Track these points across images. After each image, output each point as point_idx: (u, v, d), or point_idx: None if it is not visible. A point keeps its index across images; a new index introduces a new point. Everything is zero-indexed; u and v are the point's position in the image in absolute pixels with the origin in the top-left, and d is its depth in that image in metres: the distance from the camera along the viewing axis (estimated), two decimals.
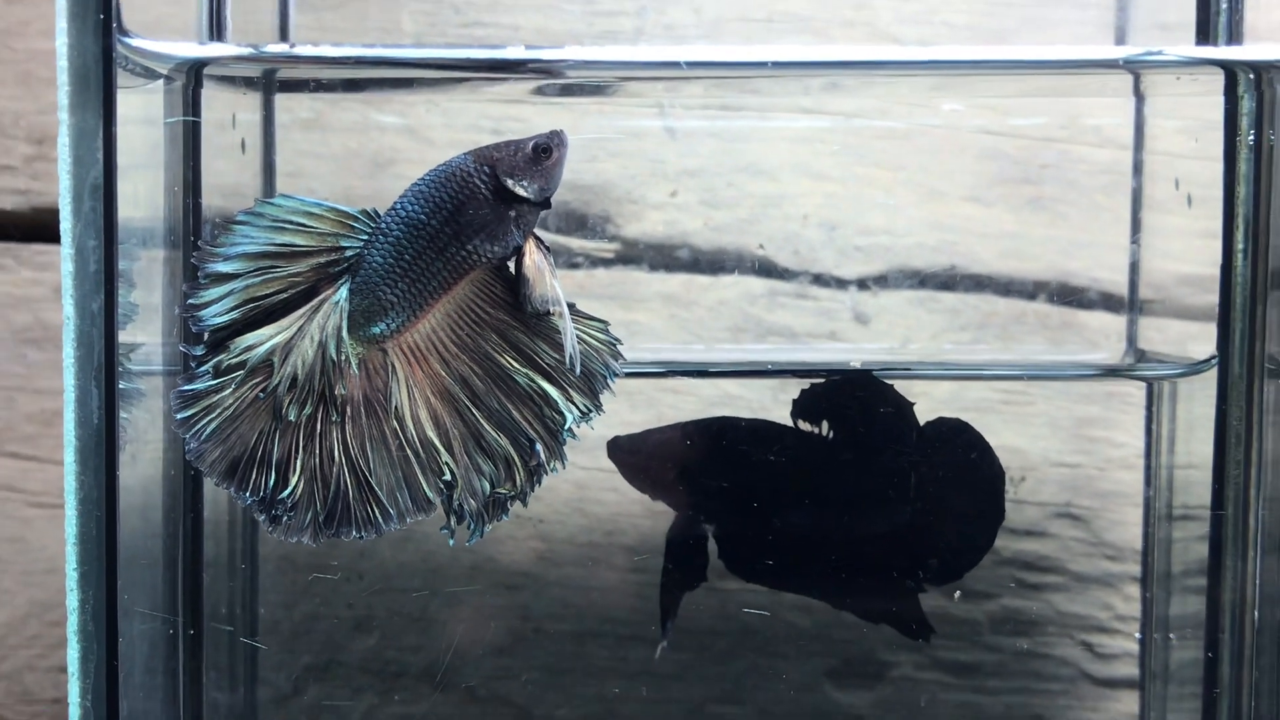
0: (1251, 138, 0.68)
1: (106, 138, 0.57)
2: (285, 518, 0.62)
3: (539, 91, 0.84)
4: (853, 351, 0.85)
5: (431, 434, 0.62)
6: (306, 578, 0.81)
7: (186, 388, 0.61)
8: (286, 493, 0.61)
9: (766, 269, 0.85)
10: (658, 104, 0.84)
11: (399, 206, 0.61)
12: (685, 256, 0.85)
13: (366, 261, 0.61)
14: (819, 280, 0.85)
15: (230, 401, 0.61)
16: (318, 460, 0.62)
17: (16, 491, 0.93)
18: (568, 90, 0.84)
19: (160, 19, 0.71)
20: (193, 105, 0.66)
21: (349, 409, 0.62)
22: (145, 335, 0.63)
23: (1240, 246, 0.70)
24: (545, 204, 0.63)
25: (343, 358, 0.61)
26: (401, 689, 0.82)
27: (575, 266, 0.86)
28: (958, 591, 0.83)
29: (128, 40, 0.58)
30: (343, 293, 0.61)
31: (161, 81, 0.65)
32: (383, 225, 0.61)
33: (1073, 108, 0.84)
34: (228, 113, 0.75)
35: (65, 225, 0.56)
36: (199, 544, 0.68)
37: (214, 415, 0.61)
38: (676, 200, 0.85)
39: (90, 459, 0.57)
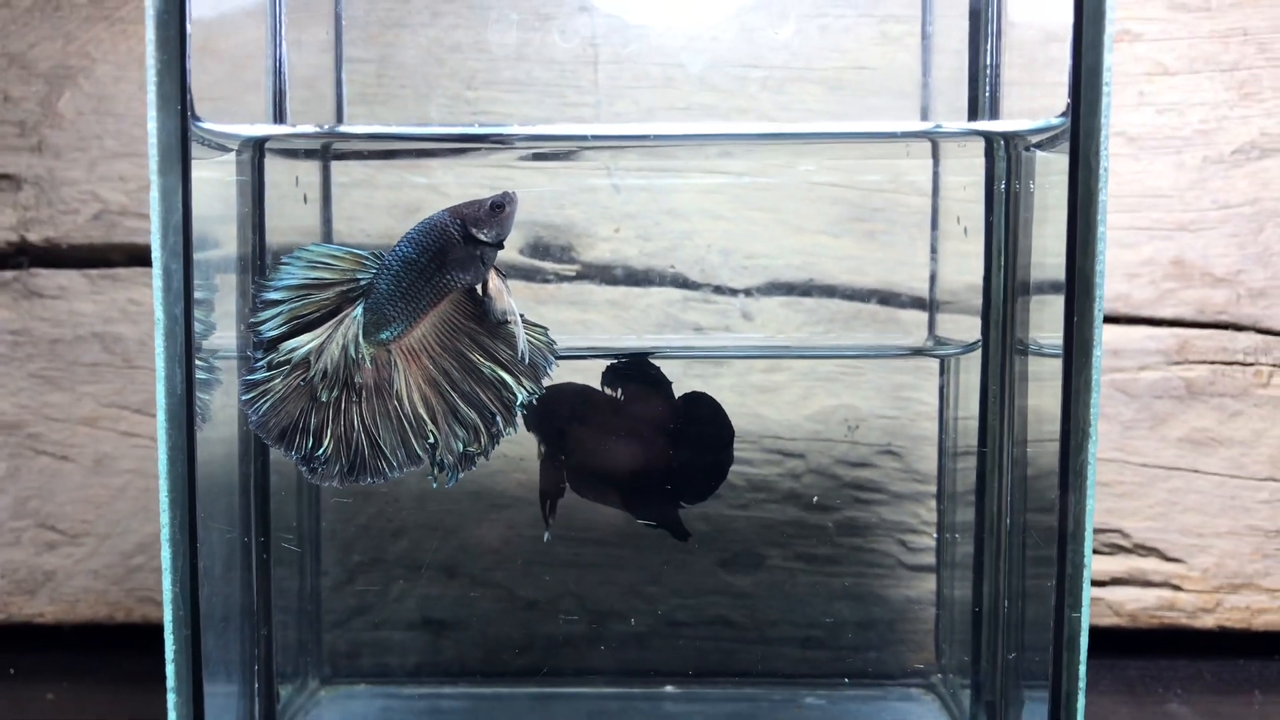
0: (1003, 186, 0.67)
1: (184, 193, 0.56)
2: (320, 469, 0.62)
3: (522, 159, 0.83)
4: (741, 339, 0.84)
5: (421, 410, 0.62)
6: (357, 498, 0.80)
7: (248, 378, 0.61)
8: (320, 451, 0.61)
9: (681, 282, 0.84)
10: (606, 167, 0.83)
11: (397, 249, 0.61)
12: (623, 274, 0.84)
13: (375, 288, 0.61)
14: (718, 290, 0.84)
15: (280, 388, 0.61)
16: (342, 429, 0.62)
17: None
18: (542, 157, 0.83)
19: (245, 106, 0.71)
20: (256, 171, 0.65)
21: (364, 392, 0.62)
22: (222, 330, 0.63)
23: (997, 263, 0.69)
24: (500, 244, 0.63)
25: (359, 356, 0.61)
26: (424, 578, 0.82)
27: (548, 281, 0.85)
28: (816, 497, 0.83)
29: (200, 124, 0.57)
30: (359, 310, 0.61)
31: (234, 154, 0.64)
32: (385, 262, 0.61)
33: (896, 168, 0.83)
34: (292, 175, 0.74)
35: (155, 254, 0.55)
36: (266, 476, 0.67)
37: (268, 398, 0.61)
38: (619, 235, 0.84)
39: (176, 418, 0.56)
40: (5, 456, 0.93)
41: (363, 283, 0.61)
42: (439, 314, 0.62)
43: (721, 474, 0.73)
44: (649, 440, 0.71)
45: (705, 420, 0.72)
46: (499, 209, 0.62)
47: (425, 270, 0.61)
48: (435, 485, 0.63)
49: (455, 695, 0.79)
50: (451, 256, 0.61)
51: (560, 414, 0.70)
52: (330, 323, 0.61)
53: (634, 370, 0.72)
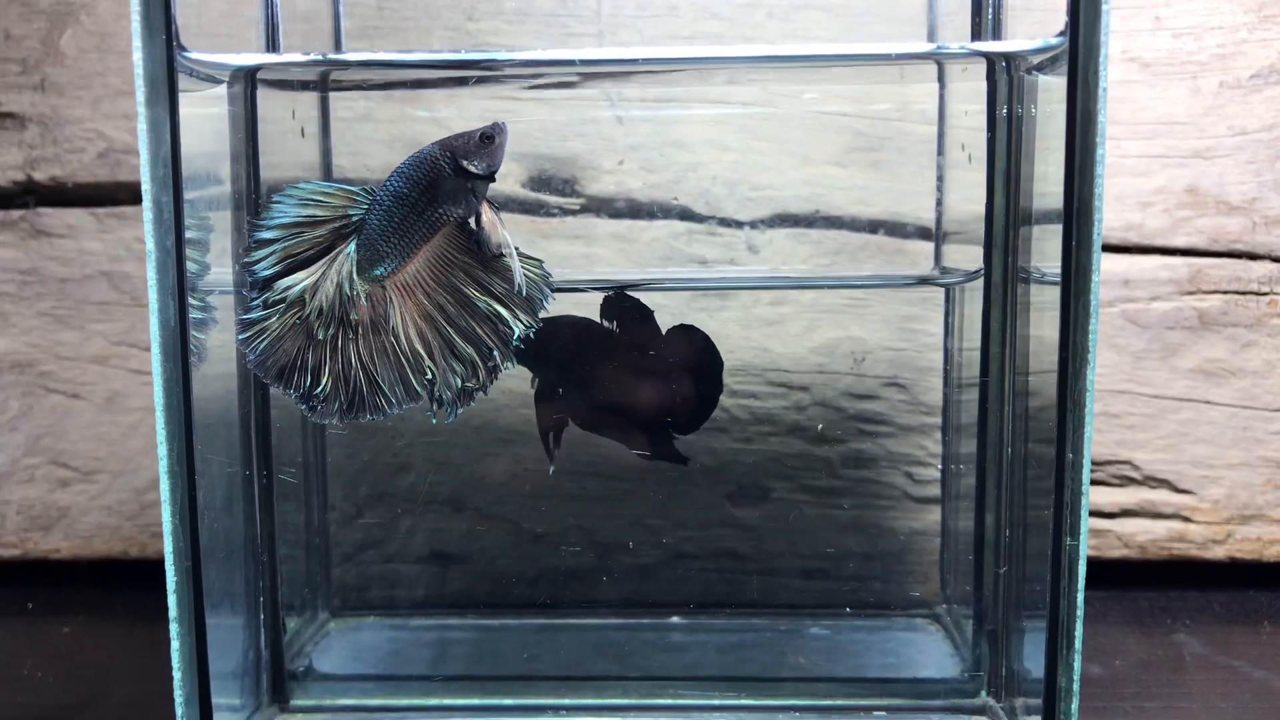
0: (1005, 111, 0.66)
1: (172, 124, 0.55)
2: (319, 407, 0.62)
3: (524, 89, 0.83)
4: (746, 272, 0.84)
5: (418, 346, 0.62)
6: (363, 435, 0.81)
7: (244, 317, 0.61)
8: (319, 390, 0.61)
9: (686, 215, 0.84)
10: (609, 98, 0.82)
11: (388, 183, 0.61)
12: (627, 207, 0.84)
13: (367, 224, 0.61)
14: (723, 222, 0.83)
15: (276, 327, 0.61)
16: (340, 366, 0.61)
17: None
18: (543, 88, 0.82)
19: (242, 41, 0.70)
20: (249, 102, 0.65)
21: (360, 329, 0.61)
22: (218, 267, 0.63)
23: (999, 190, 0.68)
24: (492, 177, 0.62)
25: (354, 293, 0.61)
26: (431, 512, 0.82)
27: (551, 215, 0.85)
28: (820, 425, 0.83)
29: (187, 54, 0.56)
30: (352, 247, 0.61)
31: (225, 86, 0.63)
32: (377, 197, 0.61)
33: (904, 96, 0.82)
34: (290, 108, 0.74)
35: (145, 186, 0.55)
36: (267, 412, 0.68)
37: (265, 337, 0.61)
38: (623, 167, 0.84)
39: (170, 350, 0.57)
40: (17, 395, 0.94)
41: (355, 219, 0.61)
42: (433, 249, 0.62)
43: (712, 404, 0.73)
44: (642, 372, 0.71)
45: (695, 351, 0.72)
46: (489, 140, 0.61)
47: (416, 204, 0.61)
48: (435, 421, 0.63)
49: (462, 626, 0.80)
50: (443, 189, 0.61)
51: (554, 347, 0.69)
52: (324, 260, 0.60)
53: (625, 303, 0.71)
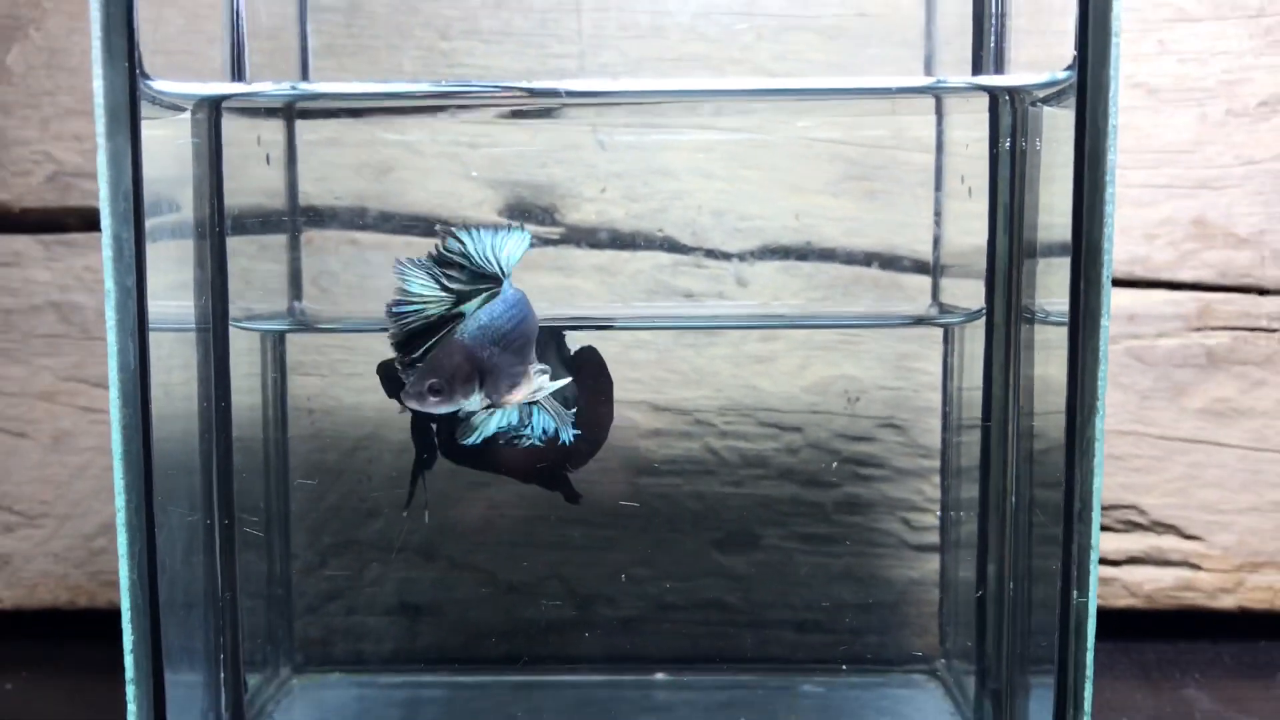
0: (1008, 143, 0.67)
1: (134, 156, 0.55)
2: None
3: (501, 116, 0.83)
4: (735, 307, 0.84)
5: None
6: (327, 480, 0.81)
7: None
8: None
9: (671, 246, 0.84)
10: (591, 124, 0.83)
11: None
12: (609, 238, 0.84)
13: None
14: (711, 254, 0.84)
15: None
16: None
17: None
18: (522, 114, 0.83)
19: (203, 60, 0.70)
20: (214, 129, 0.65)
21: None
22: (177, 303, 0.62)
23: (1002, 224, 0.68)
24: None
25: None
26: (400, 561, 0.82)
27: (530, 246, 0.85)
28: (855, 398, 0.82)
29: (150, 83, 0.56)
30: None
31: (189, 113, 0.63)
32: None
33: (899, 123, 0.83)
34: (254, 134, 0.74)
35: (105, 221, 0.55)
36: (228, 458, 0.67)
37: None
38: (605, 195, 0.84)
39: (129, 395, 0.56)
40: None
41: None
42: None
43: (605, 431, 0.72)
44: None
45: (592, 375, 0.71)
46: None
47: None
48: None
49: (434, 683, 0.80)
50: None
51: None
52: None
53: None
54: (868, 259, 0.83)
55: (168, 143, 0.61)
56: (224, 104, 0.65)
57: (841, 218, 0.84)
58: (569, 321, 0.71)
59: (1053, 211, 0.63)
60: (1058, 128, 0.61)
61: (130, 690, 0.58)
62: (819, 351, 0.84)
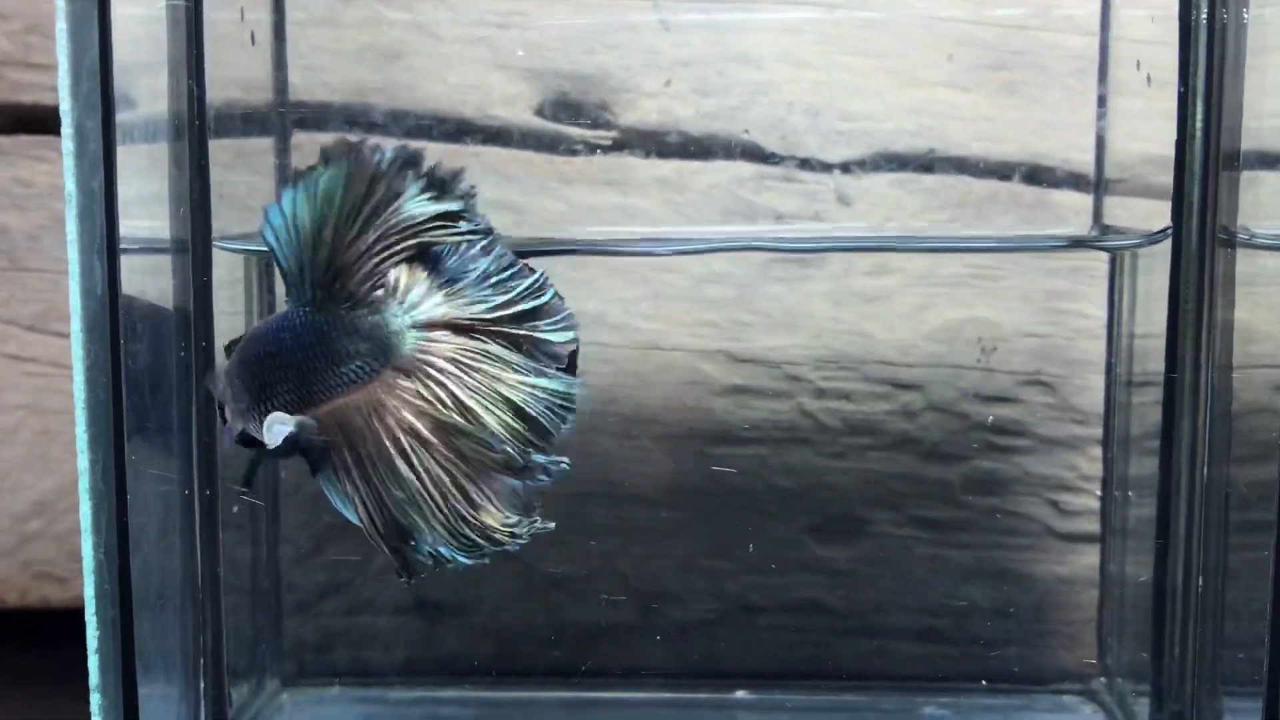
0: (1204, 14, 0.66)
1: (102, 23, 0.55)
2: None
3: None
4: (837, 230, 0.84)
5: None
6: None
7: None
8: None
9: (754, 154, 0.84)
10: None
11: None
12: (676, 143, 0.84)
13: None
14: (804, 164, 0.83)
15: None
16: None
17: (62, 367, 0.92)
18: None
19: None
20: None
21: None
22: (149, 220, 0.62)
23: (1198, 124, 0.67)
24: None
25: None
26: None
27: (575, 153, 0.85)
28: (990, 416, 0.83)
29: None
30: None
31: None
32: None
33: None
34: (236, 7, 0.74)
35: (64, 106, 0.55)
36: (212, 414, 0.67)
37: None
38: (670, 89, 0.83)
39: (96, 328, 0.56)
40: None
41: None
42: None
43: None
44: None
45: None
46: None
47: None
48: None
49: (458, 700, 0.80)
50: None
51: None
52: None
53: None
54: (1007, 171, 0.83)
55: (137, 20, 0.61)
56: None
57: (973, 117, 0.83)
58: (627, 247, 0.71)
59: (1264, 105, 0.62)
60: None
61: (95, 699, 0.58)
62: (944, 288, 0.84)
